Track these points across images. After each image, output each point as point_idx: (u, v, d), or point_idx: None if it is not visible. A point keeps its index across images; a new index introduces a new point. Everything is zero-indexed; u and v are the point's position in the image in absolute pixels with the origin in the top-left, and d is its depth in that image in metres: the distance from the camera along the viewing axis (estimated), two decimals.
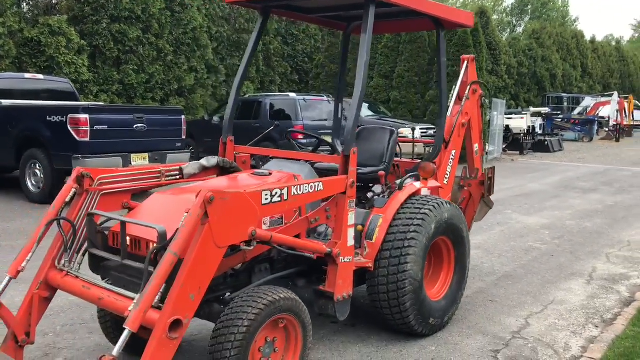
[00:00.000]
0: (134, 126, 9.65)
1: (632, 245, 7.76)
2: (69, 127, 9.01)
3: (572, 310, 5.20)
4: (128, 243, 3.39)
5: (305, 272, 4.11)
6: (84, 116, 8.97)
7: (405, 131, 12.95)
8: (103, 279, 3.51)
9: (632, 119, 33.31)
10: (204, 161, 4.48)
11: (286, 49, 22.80)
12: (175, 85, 17.30)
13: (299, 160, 4.51)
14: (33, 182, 9.78)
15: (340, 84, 5.80)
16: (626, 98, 32.53)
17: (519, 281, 6.05)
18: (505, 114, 21.38)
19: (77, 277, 3.51)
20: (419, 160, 5.23)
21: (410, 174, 4.80)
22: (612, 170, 16.86)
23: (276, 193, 3.45)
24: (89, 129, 8.99)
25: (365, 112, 16.27)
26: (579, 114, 32.17)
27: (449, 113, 5.35)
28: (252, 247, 3.27)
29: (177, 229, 2.97)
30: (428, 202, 4.47)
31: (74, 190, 3.70)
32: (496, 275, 6.22)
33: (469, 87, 5.51)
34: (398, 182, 4.59)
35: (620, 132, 30.22)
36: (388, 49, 20.30)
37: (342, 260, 3.84)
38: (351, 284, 3.95)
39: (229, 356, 3.00)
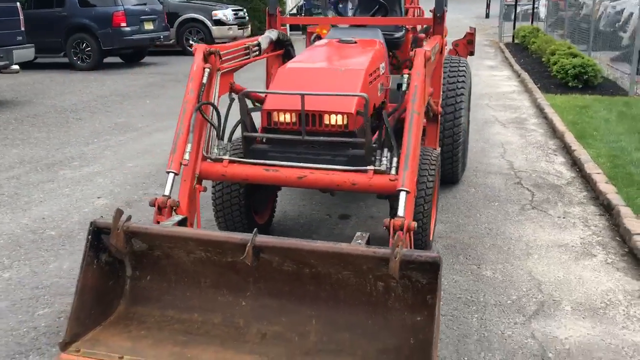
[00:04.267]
0: None
1: None
2: None
3: None
4: (289, 120, 3.47)
5: None
6: None
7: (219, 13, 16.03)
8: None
9: None
10: (272, 35, 4.51)
11: None
12: None
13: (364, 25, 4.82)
14: None
15: None
16: None
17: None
18: None
19: (243, 163, 3.50)
20: None
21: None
22: None
23: (433, 51, 3.97)
24: None
25: None
26: None
27: None
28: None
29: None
30: (459, 61, 5.23)
31: (207, 70, 3.56)
32: None
33: None
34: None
35: None
36: None
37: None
38: None
39: None
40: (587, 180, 5.46)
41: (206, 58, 3.60)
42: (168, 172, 3.29)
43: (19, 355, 2.93)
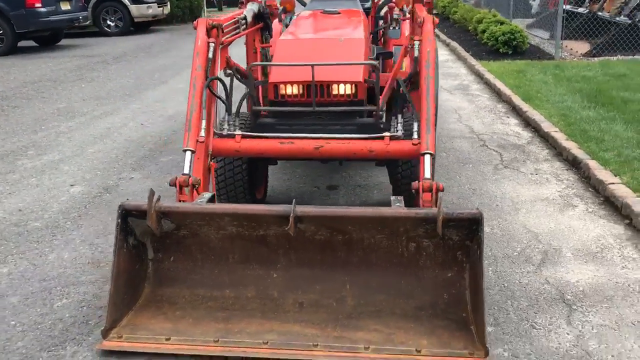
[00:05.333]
0: None
1: None
2: None
3: None
4: (297, 91, 3.49)
5: None
6: None
7: None
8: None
9: None
10: (254, 7, 4.48)
11: None
12: None
13: None
14: None
15: None
16: None
17: None
18: None
19: (257, 137, 3.49)
20: None
21: None
22: None
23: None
24: None
25: None
26: None
27: None
28: None
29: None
30: None
31: (212, 44, 3.48)
32: None
33: None
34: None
35: None
36: None
37: None
38: None
39: None
40: (546, 139, 5.80)
41: (209, 32, 3.53)
42: (185, 151, 3.24)
43: (55, 347, 2.82)
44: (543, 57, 10.17)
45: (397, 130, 3.41)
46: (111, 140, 6.20)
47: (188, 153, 3.22)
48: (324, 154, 3.44)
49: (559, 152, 5.40)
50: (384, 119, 3.64)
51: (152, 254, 3.19)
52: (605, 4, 12.78)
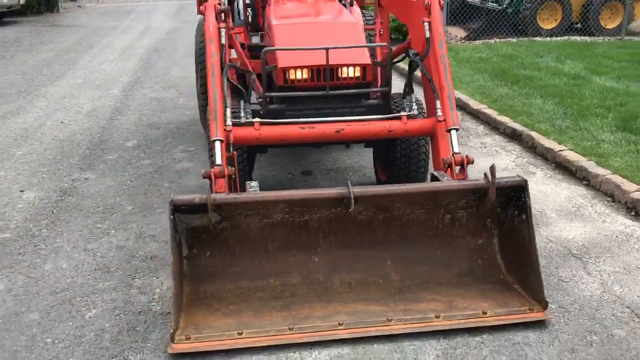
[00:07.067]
0: None
1: None
2: None
3: None
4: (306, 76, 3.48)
5: None
6: None
7: None
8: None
9: None
10: None
11: None
12: None
13: None
14: None
15: None
16: None
17: None
18: None
19: (276, 124, 3.44)
20: None
21: None
22: None
23: None
24: None
25: None
26: None
27: None
28: None
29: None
30: None
31: (223, 29, 3.40)
32: None
33: None
34: None
35: None
36: None
37: None
38: None
39: None
40: (476, 116, 6.26)
41: (217, 17, 3.41)
42: (214, 141, 3.12)
43: (114, 359, 2.61)
44: None
45: (413, 110, 3.55)
46: (37, 141, 5.67)
47: (217, 143, 3.12)
48: (345, 136, 3.49)
49: (495, 127, 5.87)
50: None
51: (187, 251, 3.05)
52: None
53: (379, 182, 4.32)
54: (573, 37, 10.76)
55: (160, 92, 7.61)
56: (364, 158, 5.08)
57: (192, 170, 4.90)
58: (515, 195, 3.08)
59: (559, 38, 10.67)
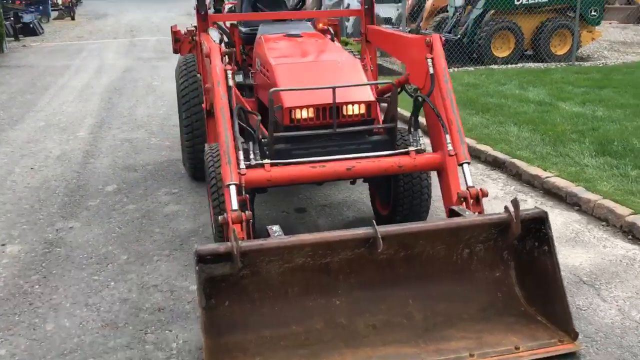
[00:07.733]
0: None
1: None
2: None
3: None
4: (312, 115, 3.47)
5: None
6: None
7: None
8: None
9: None
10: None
11: None
12: None
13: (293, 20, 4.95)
14: None
15: None
16: None
17: None
18: None
19: (286, 164, 3.40)
20: None
21: None
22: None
23: None
24: None
25: None
26: None
27: None
28: None
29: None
30: None
31: (229, 72, 3.42)
32: None
33: None
34: None
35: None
36: None
37: None
38: None
39: None
40: None
41: (222, 60, 3.35)
42: (229, 185, 3.03)
43: None
44: (389, 73, 10.99)
45: (420, 145, 3.55)
46: (9, 190, 5.40)
47: (232, 187, 3.03)
48: (356, 174, 3.46)
49: (476, 156, 5.94)
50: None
51: (205, 302, 2.92)
52: (422, 23, 14.34)
53: (379, 216, 4.29)
54: (527, 64, 11.14)
55: (130, 133, 7.41)
56: (354, 193, 5.06)
57: (180, 213, 4.76)
58: (534, 227, 3.09)
59: (514, 65, 11.03)
